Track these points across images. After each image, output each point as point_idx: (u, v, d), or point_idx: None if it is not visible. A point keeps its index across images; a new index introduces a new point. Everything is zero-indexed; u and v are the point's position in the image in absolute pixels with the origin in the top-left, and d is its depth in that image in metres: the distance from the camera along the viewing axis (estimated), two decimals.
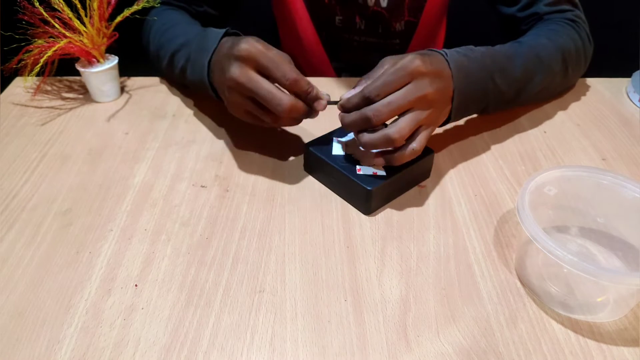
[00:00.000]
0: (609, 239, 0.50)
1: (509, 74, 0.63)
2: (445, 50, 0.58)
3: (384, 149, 0.53)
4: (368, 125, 0.51)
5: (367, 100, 0.51)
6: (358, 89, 0.53)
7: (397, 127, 0.50)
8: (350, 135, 0.59)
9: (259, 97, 0.52)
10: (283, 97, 0.51)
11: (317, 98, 0.53)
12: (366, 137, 0.51)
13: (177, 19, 0.75)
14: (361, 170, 0.54)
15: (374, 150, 0.54)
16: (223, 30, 0.61)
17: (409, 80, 0.51)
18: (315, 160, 0.58)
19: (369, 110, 0.50)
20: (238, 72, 0.52)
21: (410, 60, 0.51)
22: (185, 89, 0.77)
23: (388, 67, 0.52)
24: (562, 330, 0.43)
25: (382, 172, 0.54)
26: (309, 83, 0.52)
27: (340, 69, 0.95)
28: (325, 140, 0.59)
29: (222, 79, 0.55)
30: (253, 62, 0.51)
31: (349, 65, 0.94)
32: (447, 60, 0.56)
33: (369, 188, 0.52)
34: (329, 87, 0.79)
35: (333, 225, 0.53)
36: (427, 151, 0.57)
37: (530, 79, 0.66)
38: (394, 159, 0.53)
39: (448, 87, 0.55)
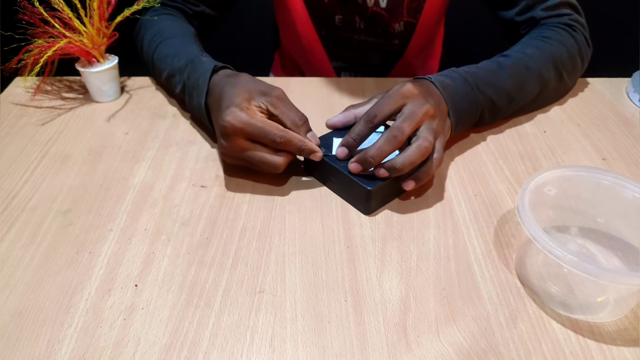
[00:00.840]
0: (609, 239, 0.50)
1: (496, 85, 0.64)
2: (428, 76, 0.60)
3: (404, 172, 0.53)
4: (395, 144, 0.52)
5: (369, 123, 0.54)
6: (341, 116, 0.60)
7: (423, 137, 0.52)
8: None
9: (253, 165, 0.55)
10: (277, 161, 0.54)
11: (311, 151, 0.54)
12: (400, 159, 0.51)
13: (169, 29, 0.75)
14: None
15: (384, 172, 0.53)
16: (210, 68, 0.61)
17: (403, 102, 0.54)
18: (314, 165, 0.57)
19: (392, 130, 0.52)
20: (228, 144, 0.54)
21: (401, 85, 0.55)
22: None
23: (381, 94, 0.56)
24: (562, 330, 0.43)
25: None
26: (300, 139, 0.53)
27: (340, 68, 0.95)
28: (325, 140, 0.59)
29: (216, 137, 0.57)
30: (240, 134, 0.52)
31: (349, 64, 0.94)
32: (432, 83, 0.59)
33: (369, 188, 0.52)
34: (329, 88, 0.79)
35: (333, 226, 0.53)
36: None
37: (520, 88, 0.67)
38: (423, 173, 0.54)
39: (441, 103, 0.57)
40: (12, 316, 0.44)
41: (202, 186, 0.58)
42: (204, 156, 0.63)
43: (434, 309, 0.45)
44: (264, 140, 0.53)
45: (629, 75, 0.80)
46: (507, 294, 0.46)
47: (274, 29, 1.05)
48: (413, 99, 0.54)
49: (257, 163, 0.54)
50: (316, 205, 0.56)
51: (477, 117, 0.64)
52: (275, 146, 0.53)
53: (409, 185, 0.54)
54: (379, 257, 0.50)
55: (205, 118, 0.61)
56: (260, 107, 0.55)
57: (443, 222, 0.54)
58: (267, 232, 0.52)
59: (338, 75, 0.95)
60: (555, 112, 0.73)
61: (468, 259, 0.50)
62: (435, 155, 0.53)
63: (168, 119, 0.71)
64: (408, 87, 0.54)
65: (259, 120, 0.52)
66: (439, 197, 0.57)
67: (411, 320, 0.44)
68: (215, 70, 0.61)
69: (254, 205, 0.56)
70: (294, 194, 0.57)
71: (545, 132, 0.69)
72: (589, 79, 0.81)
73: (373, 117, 0.53)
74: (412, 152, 0.51)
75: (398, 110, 0.54)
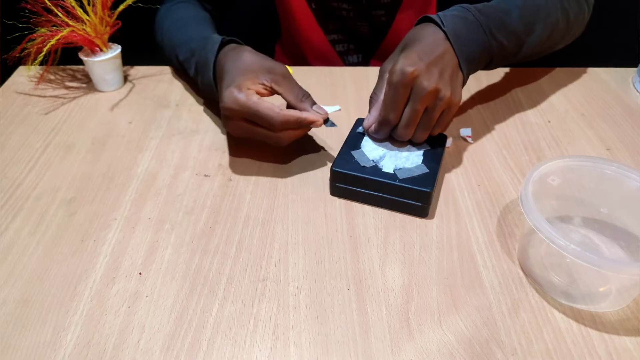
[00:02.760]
0: (612, 229, 0.50)
1: (508, 28, 0.61)
2: (441, 16, 0.57)
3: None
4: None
5: (386, 124, 0.55)
6: (373, 115, 0.57)
7: (417, 136, 0.56)
8: (366, 144, 0.57)
9: (256, 138, 0.56)
10: (279, 137, 0.55)
11: (311, 122, 0.55)
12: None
13: (186, 17, 0.75)
14: (401, 172, 0.53)
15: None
16: (218, 42, 0.61)
17: (409, 89, 0.53)
18: (350, 180, 0.54)
19: (397, 137, 0.56)
20: (229, 124, 0.56)
21: (400, 73, 0.52)
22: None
23: (387, 85, 0.54)
24: (564, 319, 0.43)
25: (417, 163, 0.54)
26: (297, 116, 0.54)
27: (334, 41, 0.93)
28: (347, 157, 0.55)
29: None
30: (238, 115, 0.54)
31: (342, 35, 0.92)
32: (443, 31, 0.56)
33: (428, 190, 0.51)
34: (332, 77, 0.79)
35: (336, 215, 0.53)
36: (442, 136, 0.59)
37: (531, 30, 0.64)
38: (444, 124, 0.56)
39: (449, 61, 0.55)
40: (18, 304, 0.44)
41: (206, 175, 0.59)
42: (207, 145, 0.64)
43: (436, 297, 0.45)
44: (262, 123, 0.54)
45: (635, 65, 0.79)
46: (509, 284, 0.46)
47: (273, 19, 1.04)
48: (417, 81, 0.52)
49: (260, 139, 0.56)
50: (319, 195, 0.56)
51: (486, 63, 0.62)
52: (273, 130, 0.54)
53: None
54: (381, 246, 0.50)
55: (216, 95, 0.61)
56: (264, 85, 0.55)
57: (446, 211, 0.54)
58: (271, 221, 0.53)
59: (334, 47, 0.94)
60: (559, 102, 0.73)
61: (471, 248, 0.50)
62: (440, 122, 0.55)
63: (171, 108, 0.71)
64: (408, 71, 0.52)
65: (254, 103, 0.53)
66: (443, 186, 0.57)
67: (413, 308, 0.44)
68: (223, 44, 0.61)
69: (257, 194, 0.56)
70: (297, 183, 0.58)
71: (549, 122, 0.68)
72: (595, 69, 0.81)
73: (393, 120, 0.54)
74: (400, 133, 0.55)
75: (409, 96, 0.53)
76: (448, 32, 0.56)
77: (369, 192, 0.54)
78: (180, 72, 0.78)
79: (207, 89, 0.64)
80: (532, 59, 0.70)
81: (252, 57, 0.57)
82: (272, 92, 0.56)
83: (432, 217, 0.53)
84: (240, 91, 0.53)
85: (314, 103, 0.57)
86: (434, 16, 0.57)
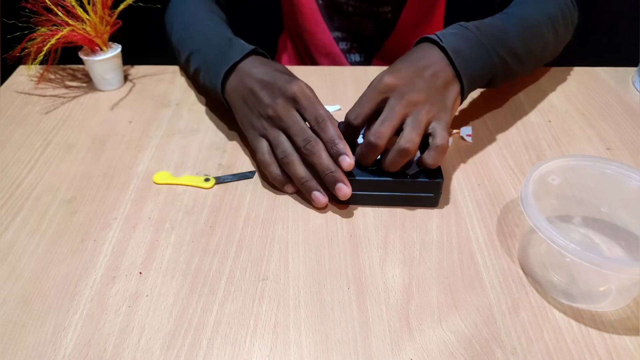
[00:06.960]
0: (612, 229, 0.50)
1: (509, 47, 0.62)
2: (439, 35, 0.57)
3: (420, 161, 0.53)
4: (376, 150, 0.51)
5: (348, 126, 0.53)
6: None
7: (404, 137, 0.50)
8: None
9: (291, 131, 0.53)
10: (275, 172, 0.54)
11: (341, 154, 0.51)
12: (385, 162, 0.52)
13: (202, 14, 0.75)
14: (406, 167, 0.53)
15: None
16: (251, 47, 0.61)
17: (382, 97, 0.52)
18: (361, 186, 0.53)
19: (370, 136, 0.50)
20: (281, 102, 0.53)
21: (378, 79, 0.53)
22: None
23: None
24: (564, 319, 0.43)
25: (415, 155, 0.53)
26: (337, 135, 0.51)
27: (337, 39, 0.93)
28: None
29: (254, 103, 0.56)
30: (297, 102, 0.53)
31: (345, 33, 0.93)
32: (441, 47, 0.56)
33: (440, 180, 0.52)
34: (332, 76, 0.79)
35: (336, 214, 0.53)
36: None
37: (528, 49, 0.65)
38: (430, 159, 0.52)
39: (438, 73, 0.55)
40: (18, 303, 0.44)
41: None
42: (207, 145, 0.64)
43: (436, 297, 0.45)
44: (309, 115, 0.52)
45: (635, 65, 0.79)
46: (509, 283, 0.46)
47: (276, 13, 1.04)
48: (394, 92, 0.52)
49: (296, 130, 0.53)
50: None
51: (489, 78, 0.62)
52: (314, 123, 0.52)
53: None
54: (381, 246, 0.50)
55: (218, 87, 0.60)
56: None
57: (446, 211, 0.54)
58: (271, 220, 0.53)
59: (337, 44, 0.94)
60: (559, 102, 0.73)
61: (471, 247, 0.50)
62: (436, 142, 0.51)
63: (171, 107, 0.71)
64: (385, 81, 0.52)
65: (318, 102, 0.53)
66: (443, 186, 0.57)
67: (413, 308, 0.44)
68: (254, 52, 0.61)
69: (257, 194, 0.56)
70: None
71: (549, 121, 0.68)
72: (595, 68, 0.81)
73: (353, 119, 0.53)
74: (394, 154, 0.50)
75: (380, 106, 0.52)
76: (447, 48, 0.56)
77: (378, 194, 0.53)
78: (183, 68, 0.77)
79: (208, 84, 0.64)
80: (522, 76, 0.71)
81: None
82: None
83: (432, 217, 0.53)
84: (309, 87, 0.53)
85: None
86: (432, 35, 0.57)
